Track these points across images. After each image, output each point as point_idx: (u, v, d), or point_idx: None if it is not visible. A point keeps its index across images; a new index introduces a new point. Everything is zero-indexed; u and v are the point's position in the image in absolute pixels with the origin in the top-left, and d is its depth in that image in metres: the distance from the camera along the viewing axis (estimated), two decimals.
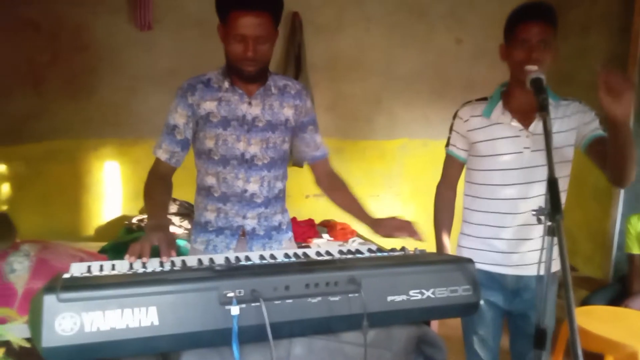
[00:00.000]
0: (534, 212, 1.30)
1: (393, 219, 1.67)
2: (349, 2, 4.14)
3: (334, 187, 1.91)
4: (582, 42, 3.81)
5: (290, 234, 1.98)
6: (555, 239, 1.20)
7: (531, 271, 1.81)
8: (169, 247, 1.33)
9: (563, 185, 1.81)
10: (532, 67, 1.60)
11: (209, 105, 1.73)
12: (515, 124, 1.79)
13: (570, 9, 3.85)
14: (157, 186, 1.72)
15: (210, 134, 1.75)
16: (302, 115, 1.85)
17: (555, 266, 1.63)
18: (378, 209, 4.60)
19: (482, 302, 1.84)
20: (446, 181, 2.01)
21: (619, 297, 3.08)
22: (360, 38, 4.19)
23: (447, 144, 1.98)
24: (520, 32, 1.71)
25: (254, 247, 1.85)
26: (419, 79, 4.31)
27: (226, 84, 1.74)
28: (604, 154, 1.68)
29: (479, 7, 4.27)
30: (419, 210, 4.26)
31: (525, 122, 1.79)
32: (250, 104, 1.75)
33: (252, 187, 1.81)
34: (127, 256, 1.28)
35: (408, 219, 1.63)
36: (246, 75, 1.68)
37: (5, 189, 3.78)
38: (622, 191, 3.49)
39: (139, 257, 1.28)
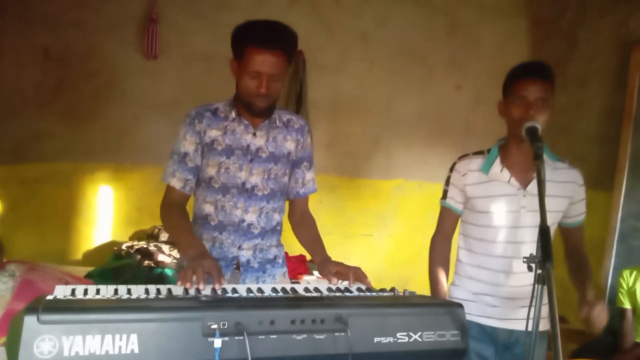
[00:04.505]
0: (525, 260, 1.30)
1: (339, 264, 1.65)
2: (353, 44, 4.24)
3: (302, 223, 1.93)
4: (579, 95, 3.88)
5: (285, 269, 1.97)
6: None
7: (524, 326, 1.78)
8: (219, 275, 1.38)
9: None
10: (530, 124, 1.62)
11: (214, 133, 1.76)
12: (513, 182, 1.78)
13: (569, 62, 3.95)
14: (180, 215, 1.73)
15: (213, 161, 1.77)
16: (301, 151, 1.88)
17: (545, 325, 1.62)
18: (371, 249, 4.61)
19: (473, 354, 1.81)
20: (441, 233, 1.96)
21: (609, 351, 3.03)
22: (362, 79, 4.27)
23: (444, 197, 1.94)
24: (519, 89, 1.72)
25: (247, 279, 1.83)
26: (418, 121, 4.37)
27: (233, 114, 1.77)
28: (572, 248, 1.92)
29: (480, 54, 4.38)
30: (412, 252, 4.24)
31: (524, 181, 1.78)
32: (255, 135, 1.78)
33: (250, 218, 1.81)
34: (179, 282, 1.32)
35: (356, 266, 1.61)
36: (256, 110, 1.71)
37: None
38: (614, 245, 3.48)
39: (194, 283, 1.31)
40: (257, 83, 1.65)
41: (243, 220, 1.80)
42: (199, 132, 1.75)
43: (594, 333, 1.76)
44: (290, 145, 1.84)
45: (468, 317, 1.79)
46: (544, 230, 1.29)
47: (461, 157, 1.92)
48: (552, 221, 1.77)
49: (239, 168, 1.77)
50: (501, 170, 1.80)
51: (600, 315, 1.68)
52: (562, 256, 1.90)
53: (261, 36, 1.63)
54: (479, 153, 1.88)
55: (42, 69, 3.77)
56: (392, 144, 4.34)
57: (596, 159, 3.61)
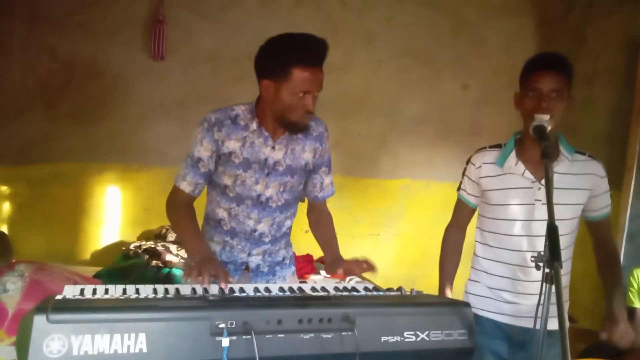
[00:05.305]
0: (533, 258, 1.29)
1: (346, 261, 1.69)
2: (358, 44, 4.23)
3: (319, 223, 1.96)
4: (587, 94, 3.86)
5: (293, 268, 1.98)
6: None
7: (539, 324, 1.77)
8: (226, 276, 1.42)
9: (568, 241, 1.78)
10: (542, 116, 1.61)
11: (232, 145, 1.71)
12: (528, 175, 1.77)
13: (576, 61, 3.90)
14: (187, 215, 1.74)
15: (230, 172, 1.75)
16: (319, 158, 1.86)
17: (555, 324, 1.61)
18: (378, 248, 4.60)
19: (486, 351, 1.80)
20: (455, 224, 1.98)
21: (618, 350, 3.01)
22: (368, 79, 4.26)
23: (459, 188, 1.96)
24: (533, 81, 1.71)
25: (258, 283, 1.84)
26: (424, 121, 4.35)
27: (254, 125, 1.71)
28: (600, 242, 1.87)
29: (486, 54, 4.36)
30: (418, 251, 4.23)
31: (538, 174, 1.77)
32: (273, 148, 1.75)
33: (262, 228, 1.81)
34: (184, 277, 1.38)
35: (363, 258, 1.65)
36: (301, 127, 1.68)
37: (7, 208, 3.79)
38: (624, 244, 3.46)
39: (199, 282, 1.37)
40: (306, 102, 1.60)
41: (255, 230, 1.81)
42: (216, 141, 1.71)
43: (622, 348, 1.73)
44: (307, 156, 1.82)
45: (483, 314, 1.81)
46: (552, 228, 1.28)
47: (478, 150, 1.91)
48: (571, 214, 1.76)
49: (255, 182, 1.76)
50: (516, 164, 1.78)
51: (623, 336, 1.66)
52: (574, 257, 1.87)
53: (310, 55, 1.57)
54: (496, 146, 1.87)
55: (49, 70, 3.78)
56: (398, 144, 4.33)
57: (604, 158, 3.54)
